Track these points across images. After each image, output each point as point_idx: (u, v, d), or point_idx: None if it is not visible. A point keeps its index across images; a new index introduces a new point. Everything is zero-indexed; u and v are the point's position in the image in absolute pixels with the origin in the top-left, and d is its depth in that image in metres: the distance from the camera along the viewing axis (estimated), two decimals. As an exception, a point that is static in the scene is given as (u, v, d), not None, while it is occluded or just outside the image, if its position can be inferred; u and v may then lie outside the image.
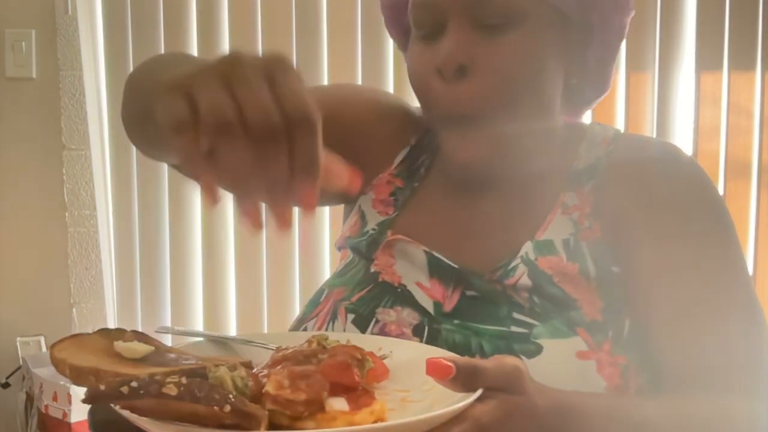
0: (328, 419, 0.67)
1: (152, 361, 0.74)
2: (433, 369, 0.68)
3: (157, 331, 0.91)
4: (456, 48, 0.89)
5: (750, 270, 1.44)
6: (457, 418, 0.66)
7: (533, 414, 0.70)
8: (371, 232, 1.00)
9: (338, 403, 0.68)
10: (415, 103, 1.00)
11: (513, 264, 0.91)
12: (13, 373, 2.39)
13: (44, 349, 2.40)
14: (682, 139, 2.10)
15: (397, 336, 0.91)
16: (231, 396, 0.63)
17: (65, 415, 2.14)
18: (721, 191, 2.01)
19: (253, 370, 0.74)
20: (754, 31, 2.09)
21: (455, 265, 0.93)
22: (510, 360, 0.70)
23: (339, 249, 1.06)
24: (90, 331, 0.80)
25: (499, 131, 0.91)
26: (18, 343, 2.40)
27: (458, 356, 0.72)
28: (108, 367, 0.72)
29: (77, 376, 0.71)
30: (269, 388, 0.67)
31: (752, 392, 0.87)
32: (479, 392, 0.68)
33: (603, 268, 0.90)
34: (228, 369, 0.68)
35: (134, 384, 0.62)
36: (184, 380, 0.63)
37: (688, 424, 0.81)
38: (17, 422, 2.36)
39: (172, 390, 0.62)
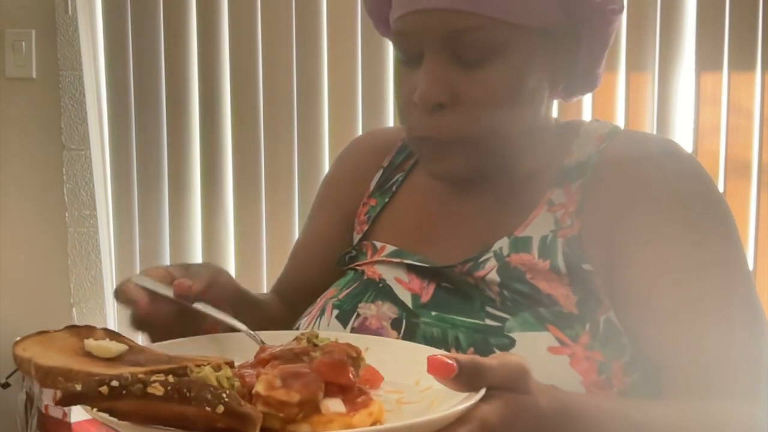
0: (324, 422, 0.63)
1: (126, 360, 0.69)
2: (435, 367, 0.65)
3: (136, 283, 0.85)
4: (432, 86, 0.88)
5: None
6: (462, 418, 0.64)
7: (537, 414, 0.69)
8: (352, 252, 1.05)
9: (335, 405, 0.64)
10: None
11: (484, 258, 0.92)
12: (13, 373, 2.38)
13: (44, 349, 2.40)
14: (682, 139, 2.10)
15: (376, 329, 0.92)
16: (225, 395, 0.57)
17: (65, 415, 2.14)
18: (720, 191, 2.01)
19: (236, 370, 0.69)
20: (754, 31, 2.09)
21: (423, 264, 0.95)
22: (514, 358, 0.69)
23: None
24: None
25: (478, 151, 0.91)
26: (18, 343, 2.40)
27: (460, 354, 0.71)
28: (79, 366, 0.66)
29: (44, 376, 0.65)
30: (259, 388, 0.62)
31: (751, 396, 0.86)
32: (483, 392, 0.66)
33: (575, 264, 0.89)
34: (212, 369, 0.63)
35: (115, 383, 0.56)
36: (171, 379, 0.57)
37: (689, 429, 0.81)
38: (17, 422, 2.36)
39: (158, 390, 0.56)
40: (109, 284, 2.46)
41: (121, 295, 0.84)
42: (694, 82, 2.14)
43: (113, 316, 2.46)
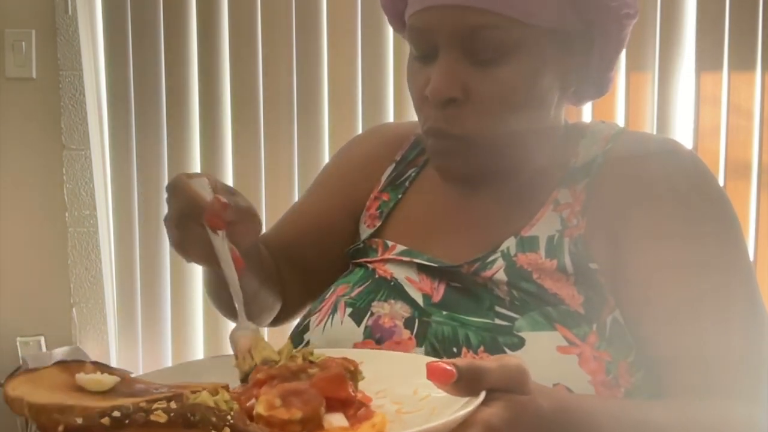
0: None
1: (120, 392, 0.67)
2: (435, 374, 0.65)
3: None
4: (445, 81, 0.88)
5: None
6: (465, 422, 0.63)
7: (539, 414, 0.69)
8: (360, 245, 1.05)
9: (337, 420, 0.63)
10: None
11: (491, 258, 0.92)
12: (13, 373, 2.39)
13: (44, 349, 2.40)
14: (682, 139, 2.10)
15: (389, 328, 0.92)
16: (230, 417, 0.57)
17: (65, 415, 2.14)
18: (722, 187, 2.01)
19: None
20: (754, 31, 2.09)
21: (432, 264, 0.95)
22: (513, 360, 0.69)
23: None
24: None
25: (484, 149, 0.91)
26: (18, 343, 2.40)
27: (458, 359, 0.70)
28: (74, 401, 0.64)
29: (38, 414, 0.63)
30: (260, 409, 0.61)
31: (751, 395, 0.86)
32: (483, 395, 0.65)
33: (581, 264, 0.90)
34: (209, 393, 0.62)
35: (116, 414, 0.56)
36: (173, 405, 0.56)
37: (690, 429, 0.81)
38: (17, 422, 2.36)
39: (161, 417, 0.55)
40: (109, 284, 2.46)
41: (181, 188, 0.88)
42: (694, 82, 2.14)
43: (113, 316, 2.46)
